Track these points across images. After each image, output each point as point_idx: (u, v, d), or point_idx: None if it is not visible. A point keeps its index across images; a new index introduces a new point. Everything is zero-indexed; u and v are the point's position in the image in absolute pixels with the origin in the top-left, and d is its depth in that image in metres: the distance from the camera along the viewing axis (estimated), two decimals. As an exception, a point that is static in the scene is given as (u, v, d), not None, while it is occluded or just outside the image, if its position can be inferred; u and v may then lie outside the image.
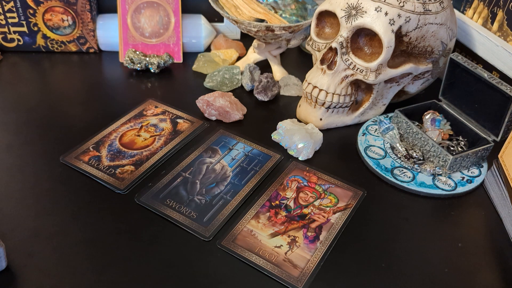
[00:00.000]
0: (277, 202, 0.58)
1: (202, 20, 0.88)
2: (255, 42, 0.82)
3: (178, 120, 0.71)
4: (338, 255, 0.53)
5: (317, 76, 0.67)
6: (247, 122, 0.72)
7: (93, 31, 0.85)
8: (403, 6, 0.62)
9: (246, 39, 0.90)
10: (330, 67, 0.66)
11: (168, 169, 0.62)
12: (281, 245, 0.53)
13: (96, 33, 0.85)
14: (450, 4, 0.68)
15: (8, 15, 0.81)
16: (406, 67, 0.67)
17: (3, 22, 0.82)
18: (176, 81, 0.82)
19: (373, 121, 0.72)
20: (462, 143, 0.67)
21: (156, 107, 0.74)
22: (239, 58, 0.87)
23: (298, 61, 0.90)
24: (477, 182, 0.63)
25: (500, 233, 0.57)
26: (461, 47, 0.80)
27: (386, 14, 0.61)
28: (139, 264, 0.50)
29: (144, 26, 0.84)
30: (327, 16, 0.69)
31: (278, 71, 0.83)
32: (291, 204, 0.58)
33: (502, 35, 0.72)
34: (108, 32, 0.86)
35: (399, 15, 0.62)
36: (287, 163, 0.65)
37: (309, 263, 0.51)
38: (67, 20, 0.83)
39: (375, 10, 0.62)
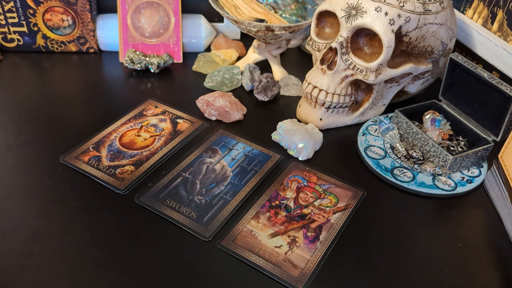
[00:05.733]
0: (277, 202, 0.58)
1: (202, 20, 0.88)
2: (255, 42, 0.82)
3: (178, 120, 0.71)
4: (338, 255, 0.53)
5: (317, 76, 0.67)
6: (247, 122, 0.72)
7: (93, 31, 0.85)
8: (403, 6, 0.62)
9: (246, 39, 0.90)
10: (330, 67, 0.66)
11: (168, 169, 0.62)
12: (281, 245, 0.53)
13: (96, 33, 0.85)
14: (450, 4, 0.68)
15: (8, 15, 0.81)
16: (406, 67, 0.67)
17: (3, 22, 0.82)
18: (176, 81, 0.82)
19: (373, 121, 0.72)
20: (462, 143, 0.67)
21: (156, 107, 0.74)
22: (239, 58, 0.87)
23: (298, 61, 0.90)
24: (477, 182, 0.63)
25: (500, 233, 0.57)
26: (461, 47, 0.80)
27: (386, 14, 0.61)
28: (139, 264, 0.50)
29: (144, 26, 0.84)
30: (327, 16, 0.69)
31: (278, 71, 0.83)
32: (291, 204, 0.58)
33: (502, 35, 0.72)
34: (108, 32, 0.86)
35: (399, 15, 0.62)
36: (287, 163, 0.65)
37: (309, 263, 0.51)
38: (67, 20, 0.83)
39: (375, 10, 0.62)
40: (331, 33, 0.69)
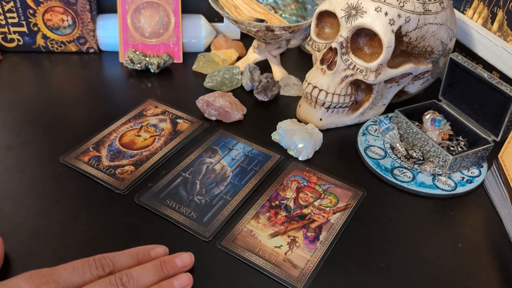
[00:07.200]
0: (277, 202, 0.58)
1: (202, 20, 0.88)
2: (255, 42, 0.82)
3: (178, 120, 0.71)
4: (338, 255, 0.53)
5: (317, 76, 0.67)
6: (247, 122, 0.72)
7: (93, 31, 0.85)
8: (403, 6, 0.62)
9: (246, 39, 0.90)
10: (330, 67, 0.66)
11: (168, 169, 0.62)
12: (281, 245, 0.53)
13: (96, 33, 0.86)
14: (450, 4, 0.68)
15: (8, 15, 0.81)
16: (406, 67, 0.67)
17: (3, 22, 0.82)
18: (176, 81, 0.82)
19: (373, 121, 0.72)
20: (462, 143, 0.67)
21: (156, 107, 0.74)
22: (239, 58, 0.87)
23: (298, 61, 0.90)
24: (477, 182, 0.63)
25: (500, 233, 0.57)
26: (461, 47, 0.80)
27: (386, 14, 0.61)
28: (139, 264, 0.50)
29: (144, 26, 0.84)
30: (327, 16, 0.69)
31: (278, 71, 0.83)
32: (291, 204, 0.58)
33: (502, 35, 0.72)
34: (108, 32, 0.86)
35: (399, 15, 0.62)
36: (287, 163, 0.65)
37: (309, 263, 0.51)
38: (67, 20, 0.83)
39: (375, 10, 0.62)
40: (331, 33, 0.69)
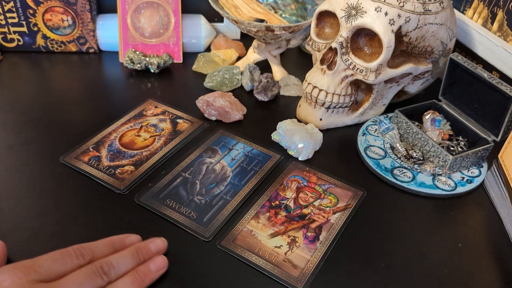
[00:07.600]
0: (277, 202, 0.58)
1: (202, 20, 0.88)
2: (255, 42, 0.82)
3: (178, 120, 0.71)
4: (338, 255, 0.53)
5: (317, 76, 0.67)
6: (247, 122, 0.72)
7: (93, 31, 0.85)
8: (403, 6, 0.62)
9: (246, 39, 0.90)
10: (330, 67, 0.66)
11: (168, 169, 0.62)
12: (281, 245, 0.53)
13: (96, 33, 0.86)
14: (450, 4, 0.68)
15: (8, 15, 0.81)
16: (406, 67, 0.67)
17: (3, 22, 0.82)
18: (176, 81, 0.82)
19: (373, 121, 0.72)
20: (462, 143, 0.67)
21: (156, 107, 0.74)
22: (239, 58, 0.87)
23: (298, 61, 0.90)
24: (477, 182, 0.63)
25: (500, 233, 0.57)
26: (461, 47, 0.80)
27: (386, 14, 0.61)
28: (139, 264, 0.50)
29: (144, 26, 0.84)
30: (327, 16, 0.69)
31: (278, 71, 0.83)
32: (291, 204, 0.58)
33: (502, 35, 0.72)
34: (108, 32, 0.86)
35: (399, 15, 0.62)
36: (287, 163, 0.65)
37: (309, 263, 0.51)
38: (67, 20, 0.83)
39: (375, 10, 0.62)
40: (331, 33, 0.69)
